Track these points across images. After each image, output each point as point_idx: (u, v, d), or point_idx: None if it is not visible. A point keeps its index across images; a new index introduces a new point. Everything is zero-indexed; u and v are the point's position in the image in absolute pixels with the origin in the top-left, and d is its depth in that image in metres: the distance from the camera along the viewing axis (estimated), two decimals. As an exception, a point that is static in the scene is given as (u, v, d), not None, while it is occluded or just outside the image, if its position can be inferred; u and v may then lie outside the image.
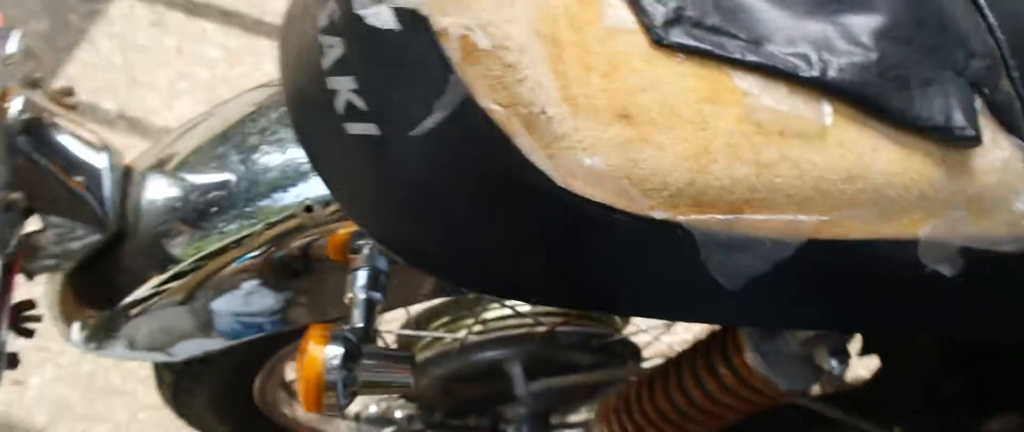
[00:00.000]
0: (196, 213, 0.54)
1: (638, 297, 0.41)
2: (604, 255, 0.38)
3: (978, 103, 0.40)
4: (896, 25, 0.41)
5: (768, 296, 0.40)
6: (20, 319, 0.52)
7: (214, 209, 0.54)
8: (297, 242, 0.55)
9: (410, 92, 0.36)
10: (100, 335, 0.60)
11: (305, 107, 0.41)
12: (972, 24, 0.43)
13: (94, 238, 0.51)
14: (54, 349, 1.28)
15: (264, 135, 0.55)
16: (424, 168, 0.37)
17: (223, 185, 0.54)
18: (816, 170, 0.38)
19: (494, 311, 0.83)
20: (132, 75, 1.49)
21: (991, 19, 0.43)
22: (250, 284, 0.57)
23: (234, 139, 0.56)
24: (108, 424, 1.24)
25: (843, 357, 0.51)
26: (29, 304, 0.53)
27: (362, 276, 0.50)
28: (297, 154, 0.54)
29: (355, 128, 0.38)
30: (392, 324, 0.91)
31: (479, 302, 0.83)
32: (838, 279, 0.40)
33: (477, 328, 0.83)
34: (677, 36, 0.39)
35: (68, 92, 0.53)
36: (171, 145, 0.58)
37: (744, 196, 0.38)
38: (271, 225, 0.53)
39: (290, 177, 0.53)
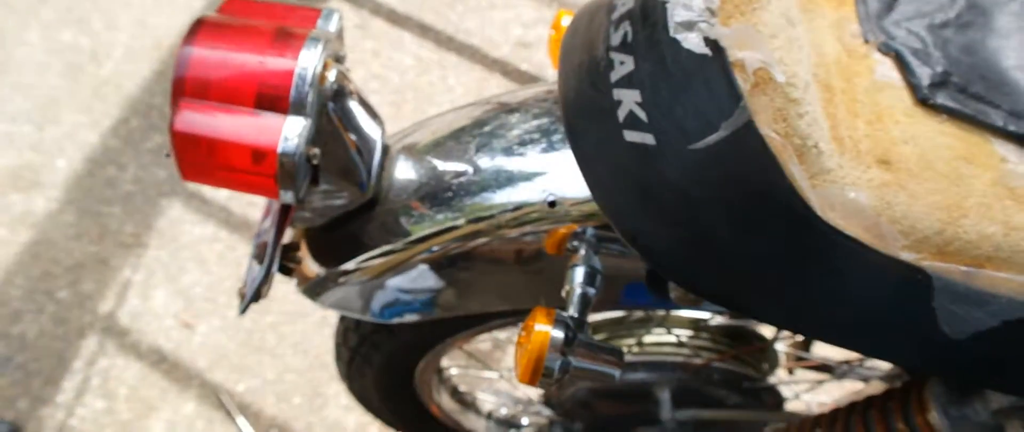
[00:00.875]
0: (436, 194, 0.60)
1: (863, 329, 0.43)
2: (844, 286, 0.41)
3: None
4: None
5: (988, 353, 0.42)
6: (285, 258, 0.59)
7: (450, 192, 0.60)
8: (510, 234, 0.60)
9: (695, 111, 0.41)
10: (313, 290, 0.67)
11: (585, 112, 0.46)
12: None
13: (352, 201, 0.58)
14: (222, 302, 1.41)
15: (505, 135, 0.61)
16: (694, 178, 0.42)
17: (464, 173, 0.60)
18: (1064, 241, 0.40)
19: (654, 336, 0.86)
20: (330, 68, 1.63)
21: None
22: (422, 268, 0.62)
23: (476, 134, 0.62)
24: (257, 379, 1.35)
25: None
26: (295, 246, 0.60)
27: (580, 272, 0.55)
28: (533, 155, 0.59)
29: (632, 136, 0.43)
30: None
31: (642, 324, 0.86)
32: None
33: (635, 349, 0.86)
34: (942, 98, 0.42)
35: (347, 70, 0.61)
36: (417, 133, 0.65)
37: (988, 253, 0.40)
38: (502, 214, 0.58)
39: (526, 175, 0.59)
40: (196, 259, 1.43)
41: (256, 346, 1.38)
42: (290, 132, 0.49)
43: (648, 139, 0.43)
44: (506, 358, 1.32)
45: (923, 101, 0.43)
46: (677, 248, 0.44)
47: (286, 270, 0.61)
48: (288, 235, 0.63)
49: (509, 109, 0.64)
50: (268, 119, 0.49)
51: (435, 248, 0.60)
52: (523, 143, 0.60)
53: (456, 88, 1.63)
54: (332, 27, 0.53)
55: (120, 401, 1.31)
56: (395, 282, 0.65)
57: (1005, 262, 0.40)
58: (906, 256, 0.40)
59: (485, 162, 0.60)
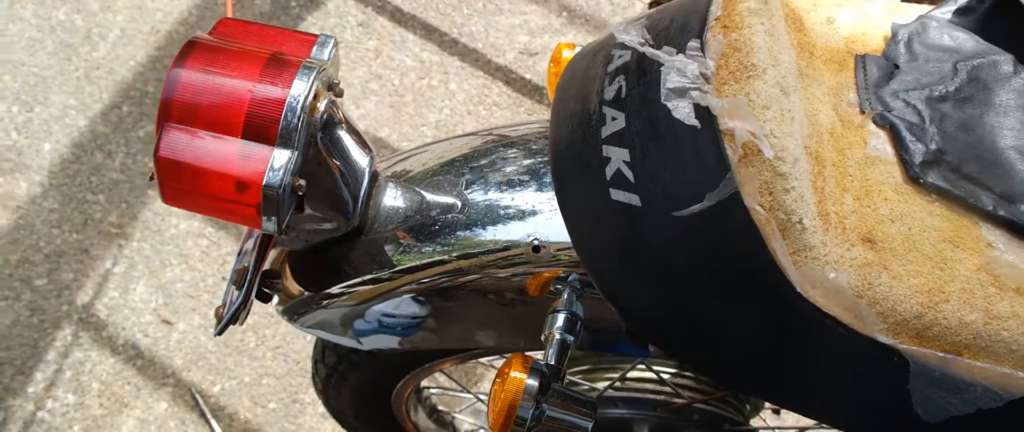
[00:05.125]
0: (422, 227, 0.59)
1: (837, 406, 0.43)
2: (820, 362, 0.41)
3: None
4: None
5: None
6: (265, 285, 0.59)
7: (437, 227, 0.59)
8: (494, 273, 0.59)
9: (682, 177, 0.41)
10: (295, 311, 0.66)
11: (573, 164, 0.46)
12: None
13: (338, 228, 0.57)
14: (203, 299, 1.40)
15: (497, 171, 0.60)
16: (676, 245, 0.41)
17: (452, 207, 0.59)
18: (1044, 332, 0.40)
19: (636, 372, 0.86)
20: (329, 68, 1.62)
21: None
22: (407, 299, 0.61)
23: (469, 167, 0.61)
24: (234, 381, 1.34)
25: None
26: (275, 274, 0.60)
27: (561, 318, 0.54)
28: (523, 195, 0.59)
29: (618, 195, 0.43)
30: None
31: (626, 359, 0.85)
32: None
33: (617, 383, 0.85)
34: (933, 177, 0.42)
35: (340, 94, 0.60)
36: (411, 160, 0.64)
37: (967, 340, 0.40)
38: (486, 254, 0.58)
39: (514, 215, 0.58)
40: (179, 254, 1.42)
41: (235, 347, 1.37)
42: (277, 164, 0.48)
43: (634, 200, 0.42)
44: (485, 381, 1.31)
45: (914, 179, 0.42)
46: (656, 311, 0.44)
47: (265, 297, 0.60)
48: (269, 259, 0.63)
49: (507, 143, 0.63)
50: (255, 149, 0.48)
51: (422, 280, 0.60)
52: (514, 182, 0.60)
53: (457, 94, 1.62)
54: (326, 54, 0.53)
55: (92, 396, 1.30)
56: (379, 310, 0.64)
57: (983, 351, 0.40)
58: (883, 339, 0.39)
59: (475, 198, 0.59)
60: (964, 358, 0.40)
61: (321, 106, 0.50)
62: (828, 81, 0.46)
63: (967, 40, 0.48)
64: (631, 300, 0.44)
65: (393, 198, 0.60)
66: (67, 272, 1.39)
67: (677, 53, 0.41)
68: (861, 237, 0.40)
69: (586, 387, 0.86)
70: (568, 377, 0.88)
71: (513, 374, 0.49)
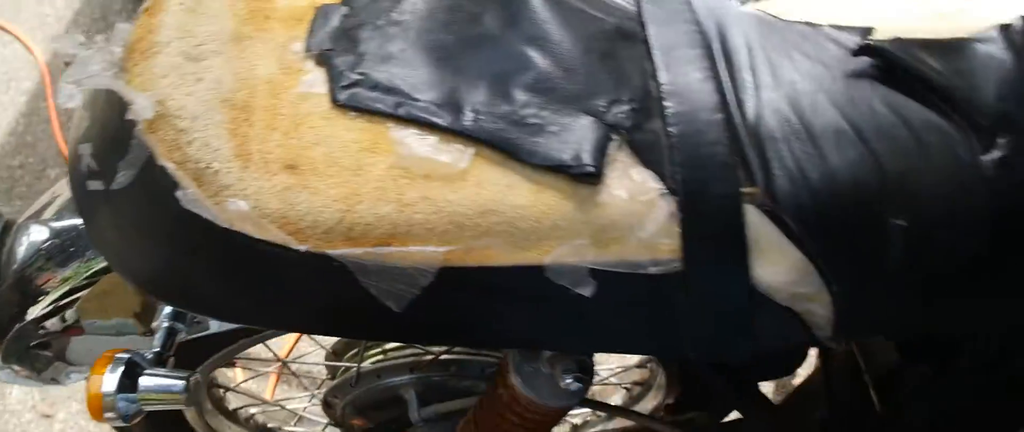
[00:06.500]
0: (60, 251, 0.64)
1: (314, 319, 0.48)
2: (275, 284, 0.46)
3: (616, 143, 0.46)
4: (544, 78, 0.47)
5: (428, 317, 0.46)
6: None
7: (73, 249, 0.64)
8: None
9: (112, 154, 0.45)
10: None
11: (72, 172, 0.51)
12: (637, 68, 0.49)
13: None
14: (78, 386, 1.44)
15: None
16: (132, 216, 0.46)
17: (74, 228, 0.64)
18: (452, 206, 0.44)
19: (395, 343, 0.90)
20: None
21: (658, 61, 0.49)
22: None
23: None
24: (123, 453, 1.38)
25: (580, 377, 0.55)
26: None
27: (169, 308, 0.59)
28: None
29: (91, 185, 0.48)
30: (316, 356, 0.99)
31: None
32: (476, 301, 0.46)
33: (380, 358, 0.90)
34: (351, 97, 0.47)
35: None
36: (51, 196, 0.69)
37: (388, 231, 0.44)
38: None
39: None
40: (46, 348, 1.46)
41: (116, 420, 1.40)
42: None
43: (99, 186, 0.47)
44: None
45: (336, 102, 0.47)
46: (143, 271, 0.49)
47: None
48: None
49: None
50: None
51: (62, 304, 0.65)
52: None
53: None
54: None
55: (-15, 500, 1.34)
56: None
57: (405, 236, 0.44)
58: (313, 249, 0.44)
59: None
60: (393, 247, 0.44)
61: None
62: (279, 38, 0.50)
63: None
64: (127, 270, 0.49)
65: (35, 234, 0.65)
66: (-58, 393, 1.44)
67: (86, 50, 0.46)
68: (284, 166, 0.45)
69: (353, 369, 0.90)
70: (343, 364, 0.92)
71: (95, 369, 0.54)
